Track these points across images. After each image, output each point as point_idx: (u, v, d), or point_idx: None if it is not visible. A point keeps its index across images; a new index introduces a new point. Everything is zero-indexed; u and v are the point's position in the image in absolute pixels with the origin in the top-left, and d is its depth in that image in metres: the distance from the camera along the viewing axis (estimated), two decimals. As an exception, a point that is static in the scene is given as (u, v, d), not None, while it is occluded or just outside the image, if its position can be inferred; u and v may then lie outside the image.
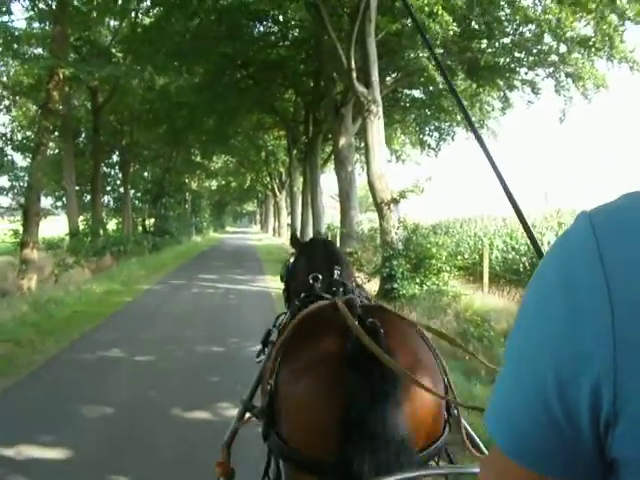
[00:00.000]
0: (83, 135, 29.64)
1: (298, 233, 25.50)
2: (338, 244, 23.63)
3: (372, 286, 12.96)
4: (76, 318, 10.29)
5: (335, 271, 2.77)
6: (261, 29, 22.75)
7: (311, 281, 2.70)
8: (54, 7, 17.90)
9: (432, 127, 26.03)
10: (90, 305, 11.92)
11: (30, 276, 15.68)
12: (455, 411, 1.93)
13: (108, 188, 33.97)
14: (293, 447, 1.77)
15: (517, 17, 16.65)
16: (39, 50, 21.22)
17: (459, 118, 24.61)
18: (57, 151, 26.65)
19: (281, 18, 21.69)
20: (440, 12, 12.94)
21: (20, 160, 17.64)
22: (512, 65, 19.61)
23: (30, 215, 15.78)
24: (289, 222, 41.92)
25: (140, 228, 35.31)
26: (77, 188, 28.71)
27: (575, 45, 16.92)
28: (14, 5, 16.95)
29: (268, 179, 52.20)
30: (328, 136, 27.37)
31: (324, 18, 14.10)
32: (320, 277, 2.73)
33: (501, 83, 21.22)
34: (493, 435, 0.65)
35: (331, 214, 31.38)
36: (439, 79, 16.24)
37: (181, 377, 6.46)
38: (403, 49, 16.95)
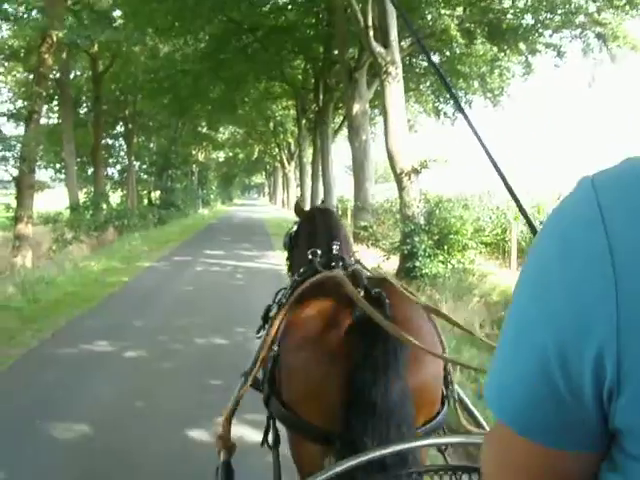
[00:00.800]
0: (85, 106, 28.63)
1: (307, 205, 24.68)
2: (349, 218, 22.81)
3: (391, 264, 11.95)
4: (66, 301, 9.30)
5: (334, 246, 2.71)
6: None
7: (310, 256, 2.63)
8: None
9: (448, 95, 24.88)
10: (84, 286, 10.95)
11: (24, 253, 14.73)
12: (454, 388, 2.04)
13: (111, 160, 33.24)
14: (296, 415, 1.79)
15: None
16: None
17: (476, 85, 23.47)
18: (57, 121, 25.65)
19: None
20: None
21: (12, 129, 16.58)
22: (536, 26, 18.40)
23: (23, 188, 14.82)
24: (298, 194, 41.18)
25: (145, 201, 34.47)
26: (78, 160, 27.85)
27: (607, 2, 15.71)
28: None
29: (276, 150, 51.42)
30: (339, 105, 26.36)
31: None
32: (319, 252, 2.66)
33: (523, 47, 20.00)
34: (493, 409, 0.64)
35: (341, 187, 30.36)
36: (461, 40, 15.05)
37: (176, 380, 5.45)
38: (424, 6, 15.71)
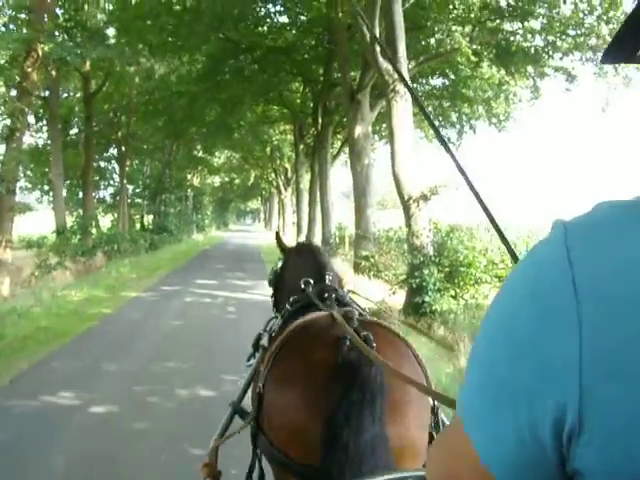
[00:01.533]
0: (76, 126, 27.79)
1: (305, 232, 23.78)
2: (347, 247, 21.89)
3: (396, 298, 11.00)
4: (36, 338, 8.27)
5: (327, 276, 2.66)
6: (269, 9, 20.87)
7: (303, 286, 2.57)
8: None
9: (452, 120, 24.24)
10: (60, 318, 9.93)
11: (0, 280, 13.70)
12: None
13: (104, 183, 32.50)
14: (279, 450, 1.79)
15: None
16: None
17: (481, 110, 22.74)
18: (47, 141, 24.78)
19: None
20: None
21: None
22: (546, 49, 17.67)
23: (3, 210, 13.89)
24: (294, 220, 40.46)
25: (138, 225, 33.54)
26: (68, 182, 26.98)
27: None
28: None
29: (273, 176, 50.65)
30: (338, 129, 25.64)
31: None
32: (312, 282, 2.59)
33: (531, 70, 19.33)
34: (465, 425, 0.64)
35: (336, 213, 29.55)
36: (472, 57, 14.26)
37: (149, 446, 4.42)
38: (433, 23, 14.94)
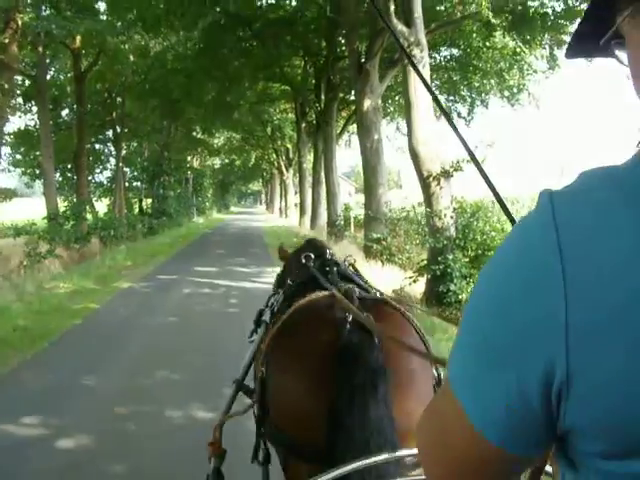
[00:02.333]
0: (68, 107, 26.71)
1: (309, 213, 22.67)
2: (352, 229, 20.83)
3: (416, 287, 9.95)
4: (8, 341, 7.17)
5: (328, 251, 2.57)
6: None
7: (304, 260, 2.48)
8: None
9: (462, 94, 23.10)
10: (41, 316, 8.82)
11: (-17, 271, 12.66)
12: None
13: (100, 166, 31.51)
14: (283, 434, 1.75)
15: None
16: None
17: (493, 83, 21.54)
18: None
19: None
20: None
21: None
22: (566, 14, 16.52)
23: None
24: (297, 202, 39.45)
25: (137, 209, 32.49)
26: (61, 166, 25.90)
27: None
28: None
29: (274, 156, 49.55)
30: (341, 107, 24.57)
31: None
32: (313, 256, 2.50)
33: (548, 38, 18.20)
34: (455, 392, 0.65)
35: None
36: (492, 20, 13.12)
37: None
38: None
